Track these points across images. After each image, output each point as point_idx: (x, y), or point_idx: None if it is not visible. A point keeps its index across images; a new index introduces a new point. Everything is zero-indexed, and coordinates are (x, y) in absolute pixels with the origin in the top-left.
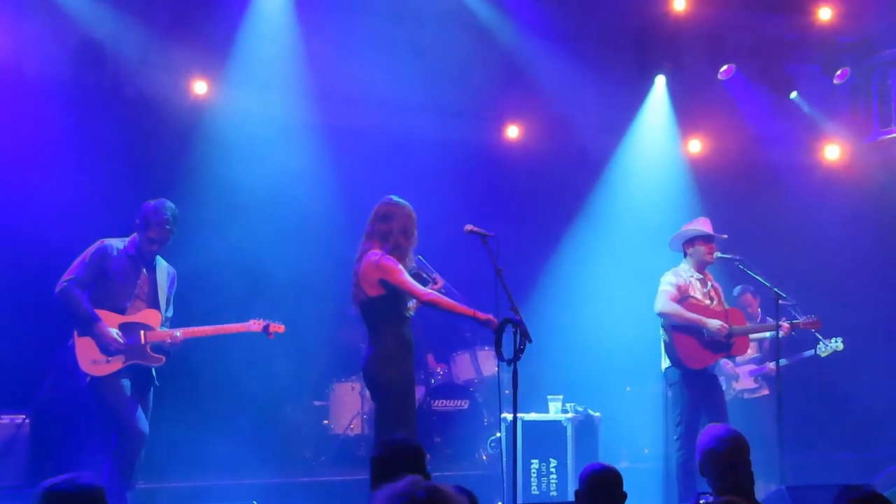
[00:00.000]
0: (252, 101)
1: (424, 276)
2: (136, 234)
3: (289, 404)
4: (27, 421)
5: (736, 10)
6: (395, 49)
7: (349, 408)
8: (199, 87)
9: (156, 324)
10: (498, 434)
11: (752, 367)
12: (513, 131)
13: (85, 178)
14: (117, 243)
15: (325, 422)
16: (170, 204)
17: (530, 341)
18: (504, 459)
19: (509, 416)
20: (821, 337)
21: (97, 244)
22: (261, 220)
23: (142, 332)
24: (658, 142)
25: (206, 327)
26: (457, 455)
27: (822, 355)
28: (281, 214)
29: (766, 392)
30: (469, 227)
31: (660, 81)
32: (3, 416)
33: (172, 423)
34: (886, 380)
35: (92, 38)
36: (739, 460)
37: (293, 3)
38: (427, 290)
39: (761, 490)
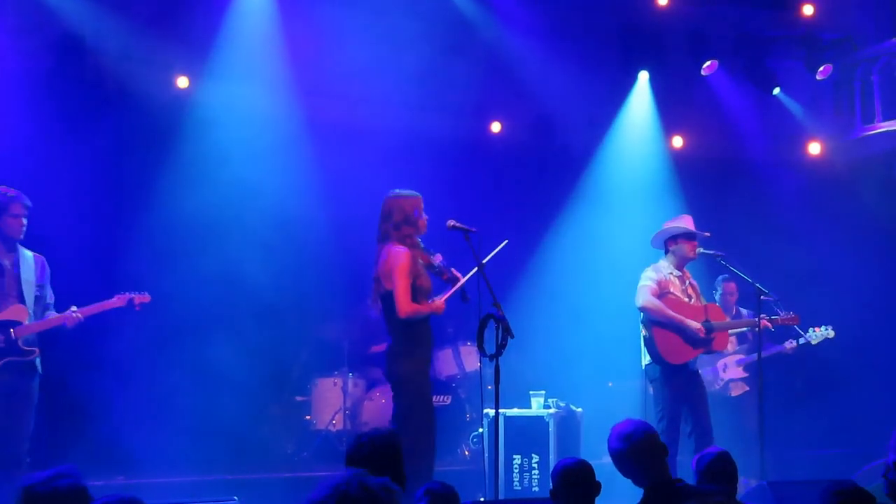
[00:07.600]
0: (234, 95)
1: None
2: None
3: (271, 400)
4: None
5: (719, 5)
6: (377, 43)
7: (331, 403)
8: (182, 82)
9: (23, 318)
10: (480, 429)
11: (741, 356)
12: (496, 127)
13: (65, 172)
14: None
15: (307, 417)
16: (10, 192)
17: (512, 337)
18: (486, 455)
19: (491, 412)
20: (801, 332)
21: None
22: (244, 216)
23: (10, 329)
24: (641, 137)
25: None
26: (439, 450)
27: (814, 343)
28: (264, 209)
29: (747, 389)
30: (451, 222)
31: (643, 77)
32: None
33: (154, 419)
34: (868, 375)
35: (72, 32)
36: (654, 451)
37: None
38: (410, 304)
39: (743, 486)
